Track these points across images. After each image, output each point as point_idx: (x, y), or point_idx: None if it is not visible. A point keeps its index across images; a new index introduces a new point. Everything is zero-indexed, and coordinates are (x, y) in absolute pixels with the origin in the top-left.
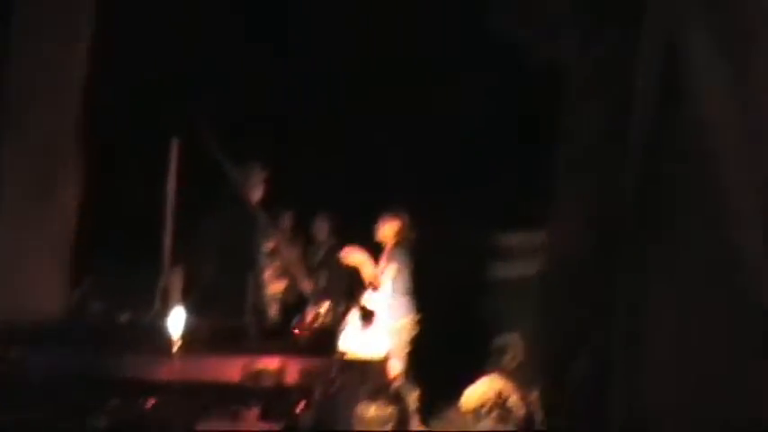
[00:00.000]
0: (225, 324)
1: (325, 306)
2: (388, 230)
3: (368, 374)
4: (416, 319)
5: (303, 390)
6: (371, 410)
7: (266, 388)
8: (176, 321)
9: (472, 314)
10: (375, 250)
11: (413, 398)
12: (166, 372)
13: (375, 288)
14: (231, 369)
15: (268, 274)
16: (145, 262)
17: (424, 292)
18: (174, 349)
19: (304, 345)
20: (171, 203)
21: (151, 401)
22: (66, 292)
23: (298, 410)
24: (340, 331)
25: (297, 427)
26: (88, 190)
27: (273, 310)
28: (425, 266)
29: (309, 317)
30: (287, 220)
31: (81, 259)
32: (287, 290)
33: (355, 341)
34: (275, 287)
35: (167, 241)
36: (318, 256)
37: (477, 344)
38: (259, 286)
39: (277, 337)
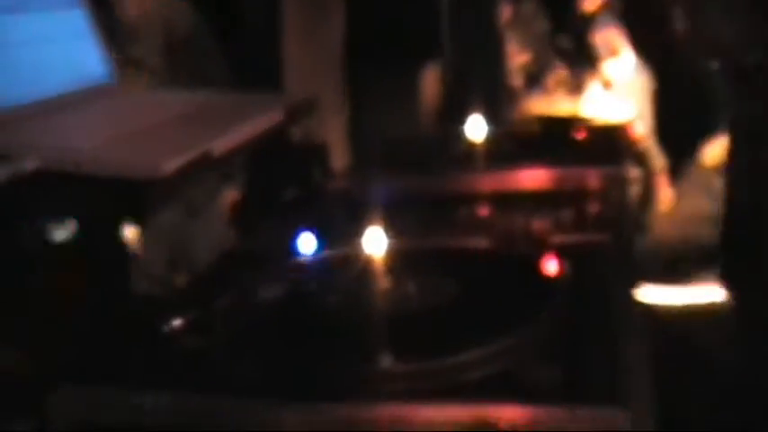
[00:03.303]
0: (514, 131)
1: (564, 73)
2: None
3: (613, 138)
4: (656, 81)
5: (602, 196)
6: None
7: (570, 195)
8: (475, 130)
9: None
10: None
11: (658, 159)
12: (473, 184)
13: (614, 53)
14: (529, 179)
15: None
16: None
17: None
18: (478, 161)
19: (595, 151)
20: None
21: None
22: (344, 110)
23: (598, 216)
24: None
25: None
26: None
27: (519, 81)
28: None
29: (551, 82)
30: None
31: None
32: (531, 62)
33: (598, 106)
34: (519, 59)
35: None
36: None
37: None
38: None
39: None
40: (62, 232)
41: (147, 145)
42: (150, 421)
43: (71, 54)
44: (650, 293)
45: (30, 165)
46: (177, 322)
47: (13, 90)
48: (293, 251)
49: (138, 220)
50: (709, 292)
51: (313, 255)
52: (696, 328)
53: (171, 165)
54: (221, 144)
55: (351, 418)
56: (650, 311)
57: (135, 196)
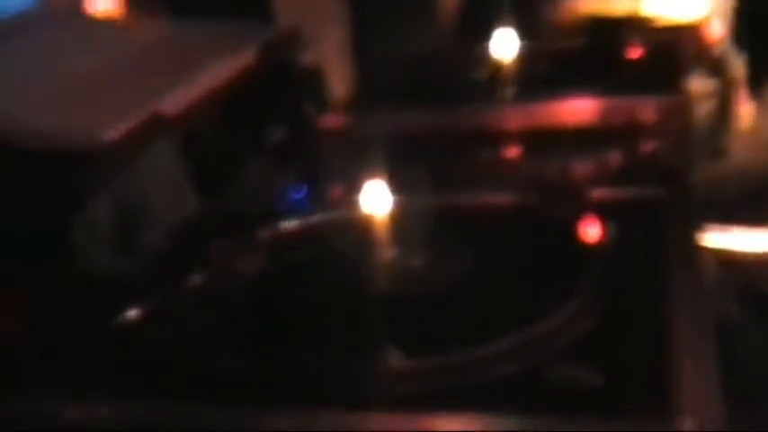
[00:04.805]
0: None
1: None
2: None
3: (684, 41)
4: None
5: (659, 133)
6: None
7: (619, 132)
8: (502, 47)
9: None
10: None
11: (737, 66)
12: (498, 119)
13: None
14: (568, 112)
15: None
16: None
17: None
18: (505, 88)
19: (652, 75)
20: None
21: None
22: (343, 24)
23: (653, 160)
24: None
25: (654, 168)
26: None
27: None
28: None
29: None
30: None
31: None
32: None
33: (664, 1)
34: None
35: None
36: None
37: None
38: None
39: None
40: None
41: (80, 104)
42: None
43: None
44: (728, 238)
45: None
46: (133, 312)
47: None
48: (276, 213)
49: (76, 197)
50: None
51: (300, 218)
52: None
53: (110, 133)
54: (175, 101)
55: (349, 429)
56: (727, 263)
57: (68, 172)
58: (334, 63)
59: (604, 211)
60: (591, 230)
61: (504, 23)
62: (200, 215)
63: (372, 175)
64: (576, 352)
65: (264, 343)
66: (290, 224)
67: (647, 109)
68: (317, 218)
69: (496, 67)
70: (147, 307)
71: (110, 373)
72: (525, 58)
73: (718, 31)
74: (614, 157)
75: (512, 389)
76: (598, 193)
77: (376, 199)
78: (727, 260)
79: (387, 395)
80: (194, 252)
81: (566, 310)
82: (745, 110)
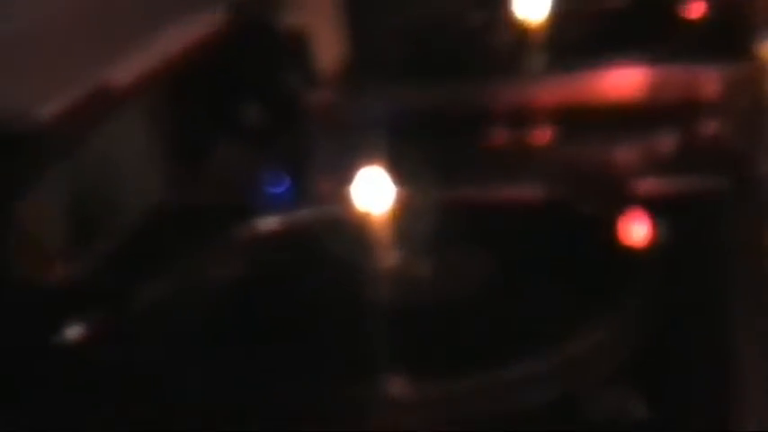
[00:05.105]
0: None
1: None
2: None
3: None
4: None
5: (723, 110)
6: None
7: (676, 105)
8: (530, 6)
9: None
10: None
11: None
12: (524, 95)
13: None
14: (610, 86)
15: None
16: None
17: None
18: (532, 57)
19: (715, 38)
20: None
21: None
22: None
23: (714, 132)
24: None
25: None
26: None
27: None
28: None
29: None
30: None
31: None
32: None
33: None
34: None
35: None
36: None
37: None
38: None
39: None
40: None
41: (8, 74)
42: None
43: None
44: None
45: None
46: (76, 328)
47: None
48: (252, 209)
49: (7, 189)
50: None
51: (282, 215)
52: None
53: (47, 109)
54: (127, 70)
55: None
56: None
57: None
58: (323, 26)
59: (654, 207)
60: (637, 230)
61: None
62: (160, 211)
63: (369, 163)
64: (618, 377)
65: (240, 367)
66: (269, 222)
67: (707, 81)
68: (302, 215)
69: (521, 31)
70: (96, 322)
71: (45, 403)
72: (558, 19)
73: None
74: (667, 141)
75: (540, 422)
76: (646, 185)
77: (373, 192)
78: None
79: (388, 429)
80: (154, 255)
81: (606, 326)
82: None
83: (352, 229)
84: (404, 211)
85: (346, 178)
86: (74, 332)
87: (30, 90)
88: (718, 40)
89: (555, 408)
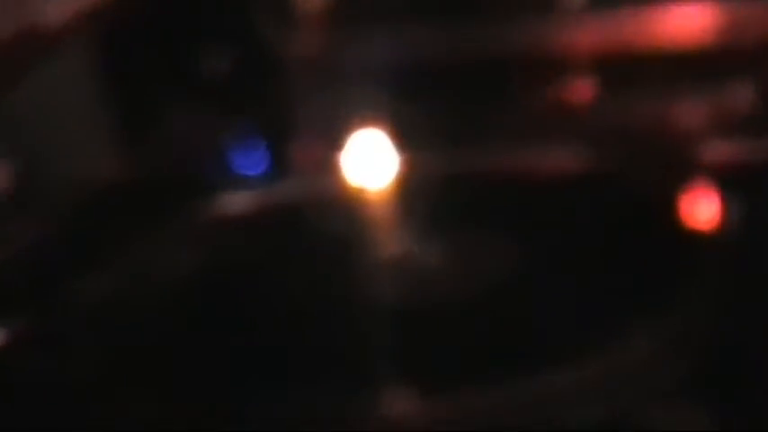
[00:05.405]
0: None
1: None
2: None
3: None
4: None
5: None
6: None
7: (752, 51)
8: None
9: None
10: None
11: None
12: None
13: None
14: (666, 26)
15: None
16: None
17: None
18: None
19: None
20: None
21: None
22: None
23: None
24: None
25: None
26: None
27: None
28: None
29: None
30: None
31: None
32: None
33: None
34: None
35: None
36: None
37: None
38: None
39: None
40: None
41: None
42: None
43: None
44: None
45: None
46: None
47: None
48: (220, 182)
49: None
50: None
51: (256, 189)
52: None
53: None
54: (60, 10)
55: None
56: None
57: None
58: None
59: (723, 179)
60: (702, 208)
61: None
62: (104, 184)
63: (364, 124)
64: (678, 388)
65: (205, 378)
66: (241, 198)
67: None
68: (281, 189)
69: None
70: (22, 324)
71: None
72: None
73: None
74: (740, 96)
75: None
76: (714, 152)
77: (370, 161)
78: None
79: None
80: (96, 241)
81: (663, 327)
82: None
83: (344, 207)
84: (408, 185)
85: (335, 144)
86: None
87: None
88: None
89: (601, 426)
